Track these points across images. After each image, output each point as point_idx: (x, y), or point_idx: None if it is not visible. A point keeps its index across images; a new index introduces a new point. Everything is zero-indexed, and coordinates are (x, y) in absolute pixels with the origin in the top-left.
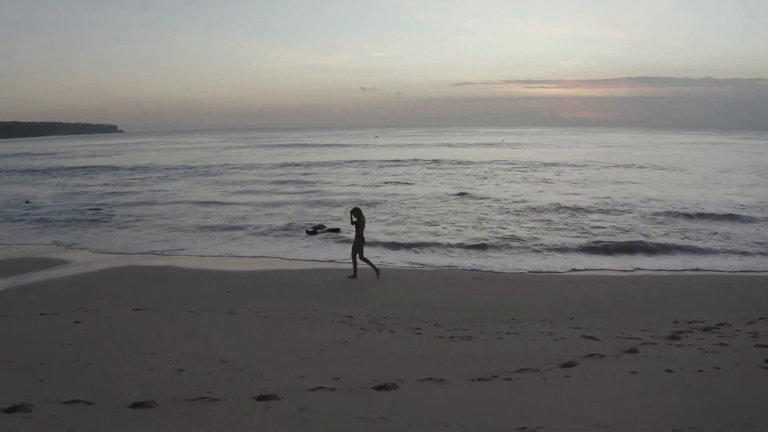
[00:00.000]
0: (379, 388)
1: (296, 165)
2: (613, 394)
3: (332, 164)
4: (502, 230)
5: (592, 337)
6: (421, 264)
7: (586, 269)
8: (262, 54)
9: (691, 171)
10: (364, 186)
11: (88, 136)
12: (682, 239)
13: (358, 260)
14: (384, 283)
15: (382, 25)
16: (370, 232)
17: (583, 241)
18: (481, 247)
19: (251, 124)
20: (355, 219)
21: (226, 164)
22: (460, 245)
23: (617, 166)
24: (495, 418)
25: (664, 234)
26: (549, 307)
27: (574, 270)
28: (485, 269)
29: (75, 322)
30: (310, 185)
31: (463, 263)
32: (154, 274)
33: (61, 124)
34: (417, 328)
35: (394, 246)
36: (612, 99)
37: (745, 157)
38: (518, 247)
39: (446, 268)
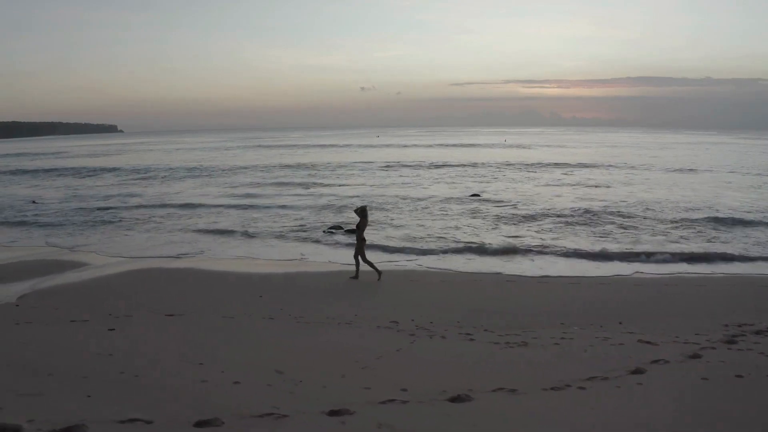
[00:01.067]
0: (453, 399)
1: (302, 166)
2: (690, 402)
3: (339, 166)
4: (525, 233)
5: (650, 342)
6: (448, 268)
7: (617, 274)
8: (262, 54)
9: (717, 172)
10: (372, 186)
11: (87, 136)
12: (712, 242)
13: (361, 262)
14: (414, 287)
15: (381, 25)
16: (391, 236)
17: (611, 244)
18: (508, 250)
19: (251, 124)
20: (359, 218)
21: (233, 165)
22: (483, 248)
23: (635, 167)
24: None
25: (696, 235)
26: (592, 310)
27: (609, 274)
28: (516, 272)
29: (109, 329)
30: (320, 186)
31: (489, 266)
32: (176, 276)
33: (60, 123)
34: (468, 334)
35: (419, 251)
36: (612, 99)
37: (758, 158)
38: (544, 249)
39: (476, 272)
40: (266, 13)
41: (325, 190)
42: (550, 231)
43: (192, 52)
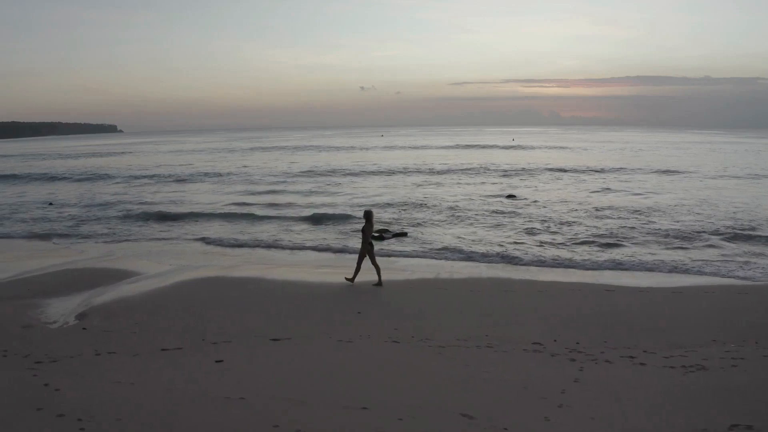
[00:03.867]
0: None
1: (320, 171)
2: None
3: (359, 173)
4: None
5: None
6: (534, 278)
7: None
8: (262, 54)
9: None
10: (404, 188)
11: (88, 136)
12: None
13: (361, 265)
14: (513, 298)
15: (381, 25)
16: (448, 245)
17: (693, 252)
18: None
19: (251, 124)
20: (365, 222)
21: (244, 166)
22: (557, 258)
23: (679, 171)
24: None
25: None
26: (715, 324)
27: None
28: (606, 281)
29: (217, 361)
30: (344, 186)
31: (579, 276)
32: (245, 288)
33: (60, 124)
34: (632, 357)
35: (503, 258)
36: (611, 98)
37: None
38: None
39: (570, 281)
40: (266, 13)
41: (351, 191)
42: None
43: (192, 52)
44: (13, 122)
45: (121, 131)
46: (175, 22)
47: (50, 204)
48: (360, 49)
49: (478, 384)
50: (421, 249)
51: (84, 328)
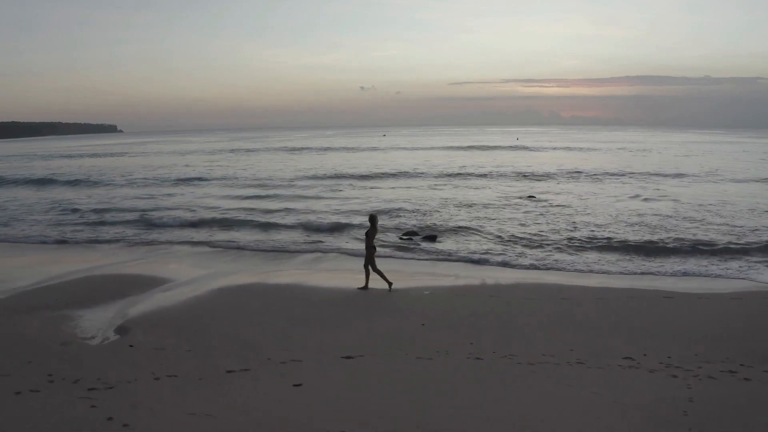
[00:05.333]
0: None
1: (330, 173)
2: None
3: (375, 175)
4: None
5: None
6: (586, 284)
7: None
8: (262, 54)
9: None
10: (422, 189)
11: (88, 136)
12: None
13: (369, 271)
14: (570, 306)
15: (381, 25)
16: (480, 248)
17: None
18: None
19: (251, 124)
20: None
21: (248, 165)
22: (597, 261)
23: (714, 173)
24: None
25: None
26: None
27: None
28: (659, 286)
29: (295, 385)
30: (361, 189)
31: (628, 281)
32: (288, 295)
33: (60, 124)
34: (732, 371)
35: (537, 261)
36: (611, 98)
37: None
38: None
39: (628, 287)
40: (266, 13)
41: (373, 194)
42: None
43: (192, 51)
44: (12, 122)
45: (121, 131)
46: (175, 22)
47: (75, 210)
48: (360, 49)
49: (591, 407)
50: (454, 252)
51: (131, 346)
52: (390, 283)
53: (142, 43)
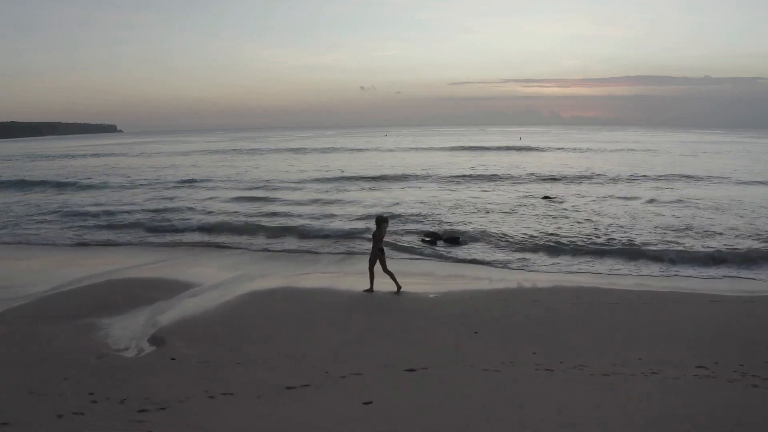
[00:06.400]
0: None
1: (339, 176)
2: None
3: (387, 178)
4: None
5: None
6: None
7: None
8: (262, 54)
9: None
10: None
11: (87, 136)
12: None
13: (372, 272)
14: (614, 310)
15: (381, 25)
16: (508, 250)
17: None
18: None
19: (251, 124)
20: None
21: (254, 166)
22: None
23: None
24: None
25: None
26: None
27: None
28: (705, 289)
29: (365, 403)
30: (379, 191)
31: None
32: (324, 301)
33: (60, 124)
34: None
35: (573, 264)
36: (611, 98)
37: None
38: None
39: (675, 291)
40: (266, 13)
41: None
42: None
43: (192, 52)
44: (12, 122)
45: (120, 131)
46: (175, 22)
47: (82, 212)
48: (360, 49)
49: (681, 423)
50: (479, 254)
51: (173, 359)
52: (399, 287)
53: (142, 43)
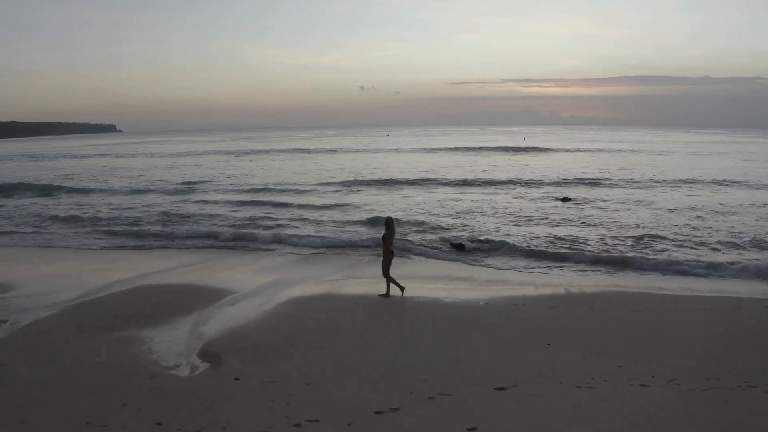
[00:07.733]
0: None
1: (347, 178)
2: None
3: (395, 182)
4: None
5: None
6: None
7: None
8: (262, 54)
9: None
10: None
11: (87, 136)
12: None
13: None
14: (667, 318)
15: (381, 25)
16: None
17: None
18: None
19: (251, 124)
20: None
21: (260, 167)
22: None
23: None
24: None
25: None
26: None
27: None
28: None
29: (469, 429)
30: (386, 195)
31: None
32: (374, 311)
33: (60, 123)
34: None
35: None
36: (610, 98)
37: None
38: None
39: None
40: (266, 13)
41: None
42: None
43: (192, 52)
44: (12, 122)
45: (120, 131)
46: (175, 22)
47: (95, 215)
48: (360, 49)
49: None
50: (511, 258)
51: (236, 379)
52: (402, 288)
53: (142, 43)
